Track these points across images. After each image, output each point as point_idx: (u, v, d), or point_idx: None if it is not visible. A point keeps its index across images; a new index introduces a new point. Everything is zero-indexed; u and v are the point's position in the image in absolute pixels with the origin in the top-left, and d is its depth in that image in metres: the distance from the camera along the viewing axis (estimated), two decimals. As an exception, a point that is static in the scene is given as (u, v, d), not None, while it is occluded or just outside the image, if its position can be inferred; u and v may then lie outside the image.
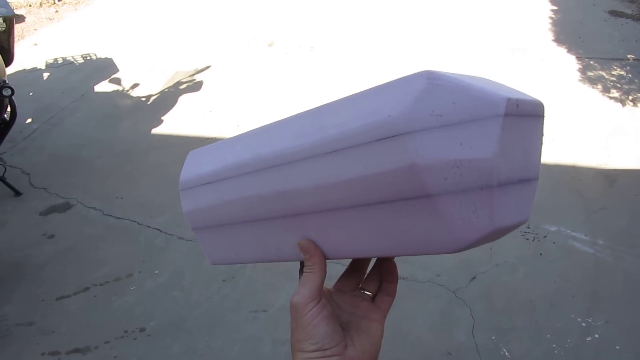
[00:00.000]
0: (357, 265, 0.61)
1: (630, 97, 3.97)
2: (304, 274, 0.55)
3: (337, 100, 0.55)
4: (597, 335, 2.20)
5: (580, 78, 4.27)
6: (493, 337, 2.21)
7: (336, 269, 0.73)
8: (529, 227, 2.76)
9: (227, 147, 0.70)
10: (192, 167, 0.74)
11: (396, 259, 0.60)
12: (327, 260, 0.56)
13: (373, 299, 0.59)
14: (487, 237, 0.48)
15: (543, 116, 0.52)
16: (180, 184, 0.75)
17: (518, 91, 0.52)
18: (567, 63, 4.53)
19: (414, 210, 0.48)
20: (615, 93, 4.03)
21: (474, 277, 2.50)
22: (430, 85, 0.47)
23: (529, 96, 0.51)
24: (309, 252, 0.55)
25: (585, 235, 2.71)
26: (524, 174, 0.49)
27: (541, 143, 0.53)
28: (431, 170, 0.46)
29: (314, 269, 0.54)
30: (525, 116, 0.48)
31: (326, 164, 0.53)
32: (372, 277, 0.60)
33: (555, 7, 5.86)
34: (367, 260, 0.62)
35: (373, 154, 0.49)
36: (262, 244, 0.65)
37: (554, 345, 2.17)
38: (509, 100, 0.45)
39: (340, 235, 0.55)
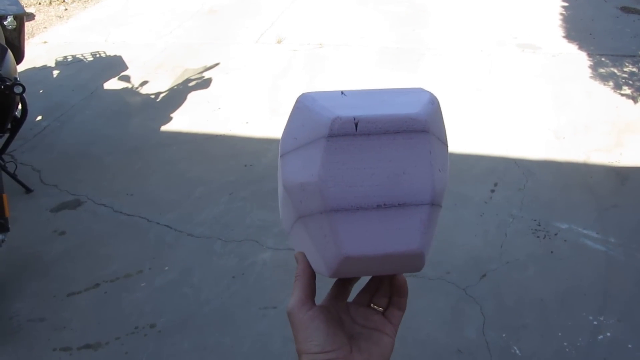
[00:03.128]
0: (374, 279, 0.61)
1: (642, 94, 3.93)
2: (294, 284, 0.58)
3: None
4: (608, 334, 2.19)
5: (592, 75, 4.23)
6: (504, 335, 2.20)
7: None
8: (539, 225, 2.74)
9: None
10: None
11: None
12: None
13: (384, 313, 0.59)
14: (359, 265, 0.45)
15: (422, 131, 0.45)
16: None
17: (410, 102, 0.46)
18: (578, 60, 4.49)
19: (303, 231, 0.49)
20: (627, 90, 3.99)
21: (484, 275, 2.48)
22: (294, 109, 0.48)
23: (403, 111, 0.45)
24: (297, 261, 0.58)
25: (597, 233, 2.69)
26: (387, 199, 0.44)
27: (427, 163, 0.45)
28: (292, 193, 0.47)
29: (298, 277, 0.56)
30: (379, 134, 0.44)
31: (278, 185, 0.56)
32: (382, 292, 0.60)
33: (565, 4, 5.80)
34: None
35: (278, 176, 0.52)
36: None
37: (565, 344, 2.16)
38: (335, 120, 0.43)
39: (303, 249, 0.57)
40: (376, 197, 0.44)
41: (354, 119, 0.43)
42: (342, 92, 0.48)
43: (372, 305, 0.60)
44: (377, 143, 0.44)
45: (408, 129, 0.44)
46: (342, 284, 0.61)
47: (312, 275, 0.57)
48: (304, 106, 0.47)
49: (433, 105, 0.47)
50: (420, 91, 0.49)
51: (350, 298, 0.63)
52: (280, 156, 0.49)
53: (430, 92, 0.49)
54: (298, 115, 0.47)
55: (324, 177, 0.43)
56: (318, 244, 0.47)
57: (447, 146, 0.51)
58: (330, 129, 0.43)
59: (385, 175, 0.44)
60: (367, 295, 0.60)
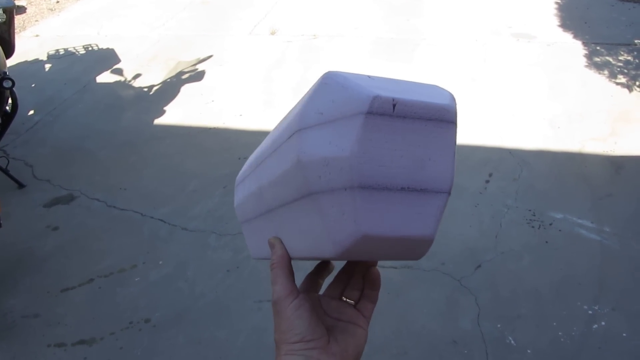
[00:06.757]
0: (345, 272, 0.62)
1: (637, 83, 3.92)
2: (271, 272, 0.57)
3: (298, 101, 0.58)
4: (603, 323, 2.19)
5: (587, 64, 4.21)
6: (499, 325, 2.20)
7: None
8: (534, 215, 2.74)
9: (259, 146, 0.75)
10: (244, 165, 0.79)
11: None
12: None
13: (356, 305, 0.59)
14: (370, 246, 0.45)
15: (451, 122, 0.47)
16: (235, 181, 0.81)
17: (438, 94, 0.48)
18: (574, 49, 4.48)
19: (309, 210, 0.48)
20: (622, 79, 3.98)
21: (479, 266, 2.48)
22: (321, 85, 0.48)
23: (436, 100, 0.46)
24: (273, 248, 0.58)
25: (592, 222, 2.69)
26: (411, 182, 0.45)
27: (451, 153, 0.47)
28: (309, 167, 0.47)
29: (274, 265, 0.56)
30: (412, 119, 0.45)
31: (271, 162, 0.56)
32: (354, 285, 0.60)
33: (560, -8, 5.78)
34: (356, 266, 0.62)
35: (284, 151, 0.51)
36: (265, 239, 0.66)
37: (560, 333, 2.16)
38: (376, 97, 0.43)
39: (287, 233, 0.57)
40: (401, 180, 0.45)
41: (393, 100, 0.44)
42: (368, 76, 0.48)
43: (343, 298, 0.60)
44: (410, 127, 0.45)
45: (440, 117, 0.46)
46: (314, 278, 0.61)
47: (290, 261, 0.57)
48: (336, 83, 0.47)
49: (455, 101, 0.49)
50: (439, 87, 0.51)
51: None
52: (298, 130, 0.48)
53: (448, 90, 0.51)
54: (327, 91, 0.47)
55: (357, 153, 0.43)
56: (330, 222, 0.46)
57: None
58: (370, 106, 0.43)
59: (412, 159, 0.45)
60: (338, 289, 0.60)
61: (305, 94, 0.51)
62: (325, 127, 0.46)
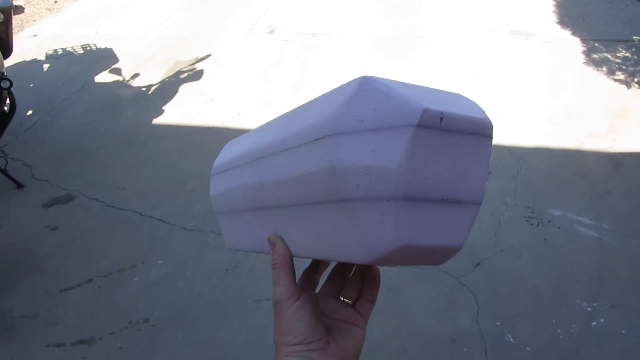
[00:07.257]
0: (340, 270, 0.61)
1: (635, 80, 3.91)
2: (273, 271, 0.56)
3: (310, 100, 0.56)
4: (602, 320, 2.19)
5: (585, 60, 4.21)
6: (498, 323, 2.20)
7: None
8: (533, 212, 2.74)
9: (246, 138, 0.73)
10: (222, 156, 0.78)
11: None
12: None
13: (353, 305, 0.59)
14: (404, 254, 0.46)
15: (489, 137, 0.49)
16: (211, 171, 0.80)
17: (471, 106, 0.49)
18: (572, 46, 4.47)
19: (337, 215, 0.48)
20: (620, 75, 3.98)
21: (478, 263, 2.48)
22: (359, 91, 0.47)
23: (475, 114, 0.48)
24: (274, 246, 0.57)
25: (591, 219, 2.69)
26: (450, 194, 0.46)
27: (486, 166, 0.49)
28: (346, 175, 0.46)
29: (276, 265, 0.55)
30: (456, 132, 0.46)
31: (283, 160, 0.54)
32: (352, 284, 0.60)
33: (559, -11, 5.77)
34: (350, 265, 0.61)
35: (308, 153, 0.50)
36: (255, 234, 0.65)
37: (559, 331, 2.16)
38: (425, 111, 0.43)
39: (296, 233, 0.56)
40: (442, 191, 0.46)
41: (441, 114, 0.44)
42: (403, 84, 0.48)
43: (341, 297, 0.59)
44: (453, 140, 0.46)
45: (479, 132, 0.48)
46: (310, 273, 0.61)
47: (292, 260, 0.56)
48: (377, 90, 0.46)
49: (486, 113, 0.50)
50: (465, 97, 0.52)
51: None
52: (332, 135, 0.47)
53: (473, 100, 0.52)
54: (367, 98, 0.46)
55: (405, 165, 0.43)
56: (365, 229, 0.46)
57: None
58: (420, 119, 0.43)
59: (452, 172, 0.46)
60: (334, 288, 0.60)
61: (330, 96, 0.51)
62: (366, 135, 0.45)
